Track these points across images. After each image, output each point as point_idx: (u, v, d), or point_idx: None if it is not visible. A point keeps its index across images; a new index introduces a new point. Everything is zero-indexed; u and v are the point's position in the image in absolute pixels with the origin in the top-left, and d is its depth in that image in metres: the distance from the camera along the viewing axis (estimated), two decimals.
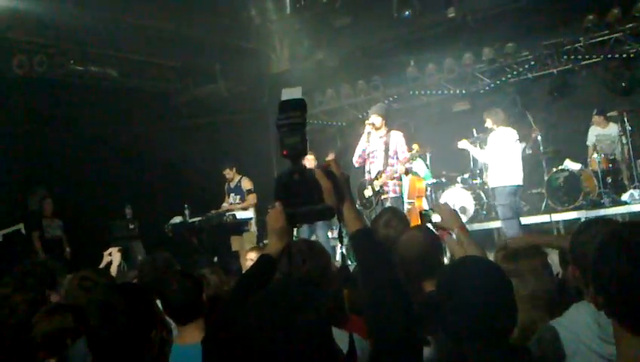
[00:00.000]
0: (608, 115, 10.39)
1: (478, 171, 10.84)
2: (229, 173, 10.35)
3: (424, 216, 3.21)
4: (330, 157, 11.72)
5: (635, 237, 1.55)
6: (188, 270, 4.23)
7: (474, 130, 10.30)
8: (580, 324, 2.10)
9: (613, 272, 1.50)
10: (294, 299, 1.62)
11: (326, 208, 1.84)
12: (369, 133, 7.84)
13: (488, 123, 8.49)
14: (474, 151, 9.08)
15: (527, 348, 1.98)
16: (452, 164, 11.30)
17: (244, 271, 5.71)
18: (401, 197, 7.91)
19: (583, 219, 9.17)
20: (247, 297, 1.70)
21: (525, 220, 9.25)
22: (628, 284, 1.47)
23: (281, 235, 1.96)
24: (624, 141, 10.08)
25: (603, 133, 10.37)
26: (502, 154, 8.23)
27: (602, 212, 9.34)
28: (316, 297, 1.69)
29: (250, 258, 6.62)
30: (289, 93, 1.85)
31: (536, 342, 2.19)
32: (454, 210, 3.41)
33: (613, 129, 10.34)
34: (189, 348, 2.82)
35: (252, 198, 10.20)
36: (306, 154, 1.82)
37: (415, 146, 7.85)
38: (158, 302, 3.37)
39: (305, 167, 1.84)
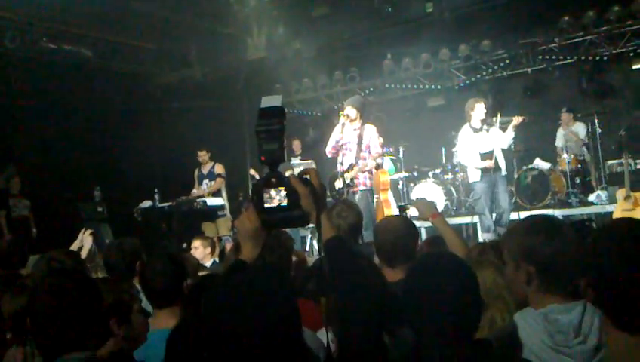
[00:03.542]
0: (578, 115, 10.57)
1: (449, 167, 10.94)
2: (204, 155, 10.32)
3: (401, 208, 3.36)
4: (297, 146, 11.77)
5: (628, 235, 1.58)
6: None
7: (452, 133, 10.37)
8: (528, 334, 2.09)
9: (604, 268, 1.53)
10: (263, 287, 1.63)
11: (301, 214, 1.86)
12: (343, 124, 7.85)
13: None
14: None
15: (489, 341, 2.00)
16: (424, 159, 11.40)
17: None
18: (371, 189, 7.95)
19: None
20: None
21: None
22: (617, 281, 1.50)
23: (256, 240, 1.94)
24: (590, 143, 10.28)
25: (570, 131, 10.54)
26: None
27: (569, 211, 9.51)
28: (285, 286, 1.71)
29: (195, 246, 6.68)
30: (268, 101, 1.87)
31: (497, 332, 2.20)
32: (430, 202, 3.52)
33: (579, 128, 10.52)
34: (161, 332, 2.80)
35: (219, 182, 10.22)
36: (283, 160, 1.84)
37: (379, 139, 7.97)
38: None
39: (282, 173, 1.86)
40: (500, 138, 8.35)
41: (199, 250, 6.73)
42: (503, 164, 8.45)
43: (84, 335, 1.98)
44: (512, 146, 10.17)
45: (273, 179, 1.85)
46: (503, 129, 8.42)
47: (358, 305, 1.78)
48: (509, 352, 2.04)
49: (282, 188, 1.85)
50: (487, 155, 8.31)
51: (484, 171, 8.30)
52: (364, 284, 1.84)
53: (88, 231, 5.30)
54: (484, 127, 8.37)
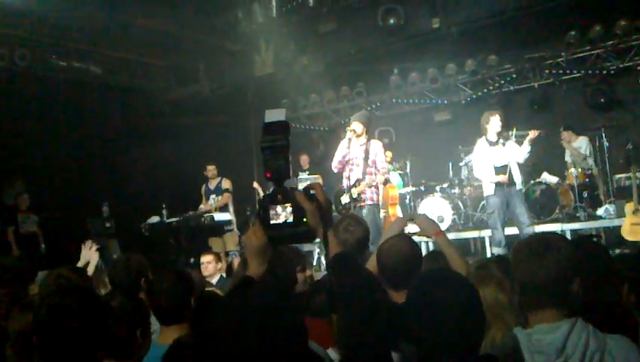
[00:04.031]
0: (588, 129, 10.54)
1: (456, 181, 10.93)
2: (212, 169, 10.36)
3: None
4: (305, 161, 11.79)
5: None
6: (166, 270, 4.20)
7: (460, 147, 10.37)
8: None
9: None
10: (269, 305, 1.64)
11: (307, 230, 1.86)
12: (350, 139, 7.86)
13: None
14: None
15: (494, 357, 2.00)
16: (432, 173, 11.39)
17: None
18: (378, 204, 7.94)
19: (559, 232, 9.30)
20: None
21: None
22: None
23: (263, 256, 1.93)
24: (597, 157, 10.25)
25: (574, 148, 10.51)
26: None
27: (578, 225, 9.47)
28: (292, 301, 1.72)
29: (207, 261, 6.68)
30: (272, 115, 1.87)
31: (499, 348, 2.19)
32: (432, 219, 3.51)
33: (582, 143, 10.49)
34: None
35: (227, 197, 10.26)
36: (289, 177, 1.83)
37: (388, 153, 7.89)
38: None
39: (288, 189, 1.86)
40: (516, 152, 8.28)
41: (211, 265, 6.73)
42: (518, 179, 8.39)
43: (91, 355, 1.98)
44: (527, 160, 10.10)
45: (279, 195, 1.85)
46: (519, 143, 8.36)
47: (366, 320, 1.78)
48: None
49: (288, 205, 1.85)
50: (502, 169, 8.23)
51: (498, 185, 8.24)
52: (371, 300, 1.83)
53: (94, 247, 5.30)
54: (501, 140, 8.32)
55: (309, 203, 1.85)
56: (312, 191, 1.90)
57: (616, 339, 2.06)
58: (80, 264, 5.05)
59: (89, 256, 5.17)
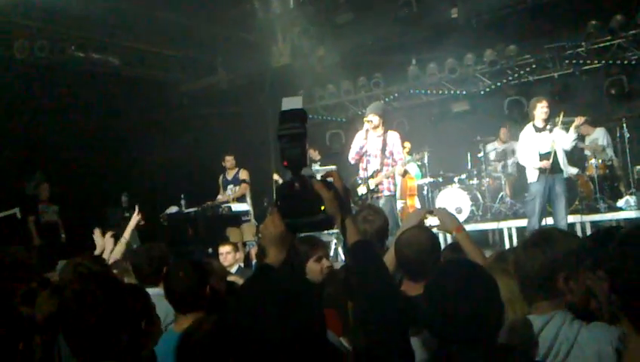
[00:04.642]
0: (608, 120, 10.42)
1: (475, 172, 10.87)
2: (231, 160, 10.40)
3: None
4: (315, 154, 11.76)
5: None
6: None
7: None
8: None
9: (630, 273, 1.51)
10: (290, 292, 1.64)
11: (325, 218, 1.85)
12: (367, 130, 7.84)
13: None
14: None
15: (512, 346, 2.01)
16: (450, 164, 11.34)
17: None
18: (395, 195, 7.92)
19: (578, 224, 9.22)
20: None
21: (522, 223, 9.26)
22: None
23: (282, 244, 1.91)
24: (618, 147, 10.12)
25: (592, 138, 10.41)
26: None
27: (598, 217, 9.38)
28: (311, 292, 1.71)
29: (226, 251, 6.71)
30: (289, 103, 1.85)
31: (507, 331, 2.18)
32: (453, 214, 3.50)
33: (599, 134, 10.39)
34: None
35: (244, 188, 10.30)
36: (306, 164, 1.82)
37: (407, 144, 7.85)
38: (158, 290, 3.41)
39: (305, 177, 1.85)
40: (563, 138, 8.11)
41: (230, 256, 6.77)
42: (565, 166, 8.30)
43: (116, 341, 2.00)
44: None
45: (297, 183, 1.84)
46: (566, 129, 8.19)
47: (385, 308, 1.78)
48: (527, 353, 2.05)
49: (306, 192, 1.84)
50: (546, 156, 8.08)
51: (541, 172, 8.10)
52: (390, 288, 1.83)
53: (108, 234, 5.37)
54: (548, 126, 8.16)
55: (326, 191, 1.84)
56: (329, 179, 1.89)
57: (593, 330, 2.03)
58: (97, 252, 5.12)
59: (104, 243, 5.24)
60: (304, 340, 1.59)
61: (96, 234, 5.36)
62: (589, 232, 8.80)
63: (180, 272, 3.20)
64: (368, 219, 3.88)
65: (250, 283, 1.97)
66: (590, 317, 2.11)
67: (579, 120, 8.10)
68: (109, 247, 5.22)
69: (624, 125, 10.08)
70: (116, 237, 5.42)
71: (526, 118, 8.52)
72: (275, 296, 1.64)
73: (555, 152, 8.07)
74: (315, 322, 1.65)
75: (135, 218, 5.40)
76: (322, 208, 1.83)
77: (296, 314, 1.59)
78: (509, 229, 9.75)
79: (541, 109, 8.17)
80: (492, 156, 11.21)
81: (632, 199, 9.45)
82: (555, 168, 8.09)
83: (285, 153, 1.81)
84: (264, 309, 1.61)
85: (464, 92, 12.40)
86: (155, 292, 3.23)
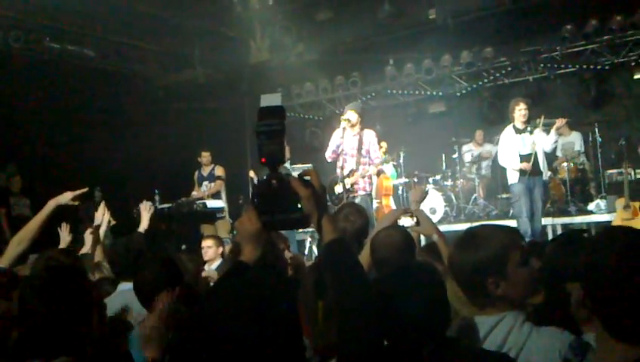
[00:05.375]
0: (581, 124, 10.57)
1: (449, 173, 10.96)
2: (207, 156, 10.33)
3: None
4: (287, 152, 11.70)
5: (626, 243, 1.56)
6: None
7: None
8: None
9: (603, 278, 1.51)
10: (266, 289, 1.64)
11: (302, 216, 1.83)
12: (344, 128, 7.86)
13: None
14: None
15: (457, 339, 2.02)
16: (425, 165, 11.41)
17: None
18: (371, 194, 7.96)
19: (549, 226, 9.35)
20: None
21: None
22: (617, 290, 1.49)
23: (257, 241, 1.90)
24: (590, 152, 10.29)
25: (567, 141, 10.55)
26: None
27: (568, 220, 9.52)
28: (286, 289, 1.71)
29: (208, 245, 6.66)
30: (268, 100, 1.84)
31: (454, 332, 2.16)
32: (428, 217, 3.52)
33: (575, 137, 10.54)
34: None
35: (219, 184, 10.26)
36: (284, 162, 1.81)
37: (383, 144, 7.89)
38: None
39: (283, 174, 1.84)
40: (543, 140, 8.22)
41: (212, 250, 6.70)
42: (545, 168, 8.39)
43: (71, 336, 1.99)
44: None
45: (274, 181, 1.83)
46: (547, 131, 8.30)
47: (360, 305, 1.79)
48: (472, 345, 2.05)
49: (283, 190, 1.83)
50: (527, 157, 8.19)
51: (522, 173, 8.20)
52: (365, 286, 1.84)
53: (89, 230, 5.32)
54: (528, 128, 8.26)
55: (304, 188, 1.82)
56: (306, 177, 1.89)
57: (543, 336, 1.99)
58: (61, 246, 5.07)
59: (69, 238, 5.20)
60: (278, 337, 1.59)
61: (63, 228, 5.31)
62: None
63: (146, 270, 3.17)
64: (349, 218, 3.86)
65: (224, 280, 1.96)
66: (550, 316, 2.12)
67: (560, 122, 8.21)
68: (88, 243, 5.17)
69: (596, 130, 10.25)
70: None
71: (502, 120, 8.62)
72: (250, 293, 1.64)
73: (536, 154, 8.18)
74: (290, 319, 1.66)
75: (106, 217, 5.32)
76: (299, 206, 1.83)
77: (271, 311, 1.59)
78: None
79: (519, 111, 8.28)
80: (467, 158, 11.31)
81: (602, 202, 9.61)
82: (536, 170, 8.20)
83: (263, 150, 1.79)
84: (238, 306, 1.61)
85: (440, 93, 12.47)
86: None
